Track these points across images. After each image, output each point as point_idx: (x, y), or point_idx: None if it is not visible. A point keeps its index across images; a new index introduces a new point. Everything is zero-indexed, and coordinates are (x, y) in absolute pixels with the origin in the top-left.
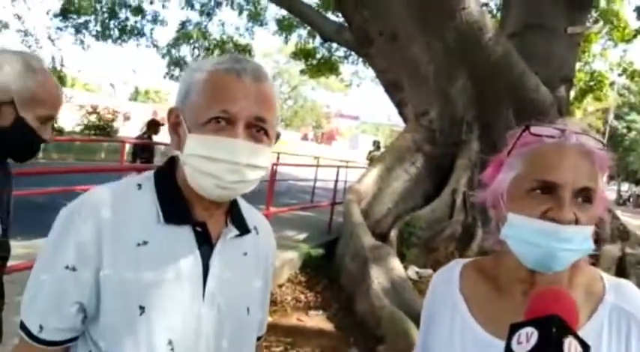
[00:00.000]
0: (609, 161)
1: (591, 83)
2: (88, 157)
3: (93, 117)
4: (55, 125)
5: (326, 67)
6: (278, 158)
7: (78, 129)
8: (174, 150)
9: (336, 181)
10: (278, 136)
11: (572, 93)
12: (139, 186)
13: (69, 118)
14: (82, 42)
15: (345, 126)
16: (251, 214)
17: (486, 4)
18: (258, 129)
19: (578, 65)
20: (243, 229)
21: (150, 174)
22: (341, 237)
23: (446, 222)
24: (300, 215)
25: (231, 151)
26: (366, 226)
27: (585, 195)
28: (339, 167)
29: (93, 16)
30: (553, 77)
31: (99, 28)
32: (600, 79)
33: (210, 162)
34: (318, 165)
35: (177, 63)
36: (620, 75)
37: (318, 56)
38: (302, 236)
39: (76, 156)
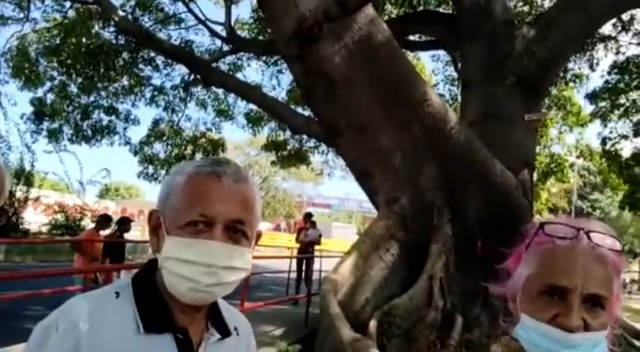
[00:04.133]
0: (624, 263)
1: (552, 165)
2: (53, 258)
3: (60, 216)
4: (21, 226)
5: (297, 158)
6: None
7: (44, 229)
8: (154, 253)
9: (311, 272)
10: (259, 236)
11: (535, 176)
12: (117, 294)
13: (35, 219)
14: (57, 141)
15: (317, 215)
16: (230, 314)
17: (442, 95)
18: (236, 231)
19: (537, 149)
20: (225, 332)
21: (128, 280)
22: (319, 331)
23: (425, 310)
24: (276, 308)
25: (207, 254)
26: (344, 318)
27: (596, 301)
28: (313, 257)
29: (64, 121)
30: (515, 162)
31: (72, 131)
32: (560, 161)
33: (185, 265)
34: (291, 256)
35: (151, 160)
36: (577, 157)
37: (289, 147)
38: (278, 331)
39: (40, 258)
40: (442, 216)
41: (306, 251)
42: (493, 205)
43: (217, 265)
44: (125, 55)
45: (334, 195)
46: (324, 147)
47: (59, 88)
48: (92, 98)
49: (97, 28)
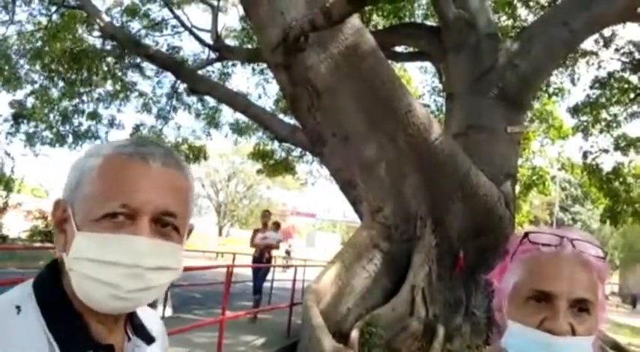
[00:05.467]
0: (609, 270)
1: (534, 178)
2: (35, 264)
3: (40, 223)
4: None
5: (282, 167)
6: (234, 259)
7: (24, 235)
8: (60, 253)
9: (294, 281)
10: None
11: (518, 188)
12: (18, 309)
13: (16, 225)
14: (31, 145)
15: (301, 224)
16: (148, 317)
17: (427, 106)
18: (166, 225)
19: (520, 161)
20: (149, 339)
21: (27, 289)
22: (300, 341)
23: (407, 320)
24: (257, 318)
25: (131, 252)
26: (326, 328)
27: (582, 306)
28: (296, 266)
29: (44, 124)
30: (497, 173)
31: (52, 135)
32: (541, 174)
33: (103, 267)
34: (275, 265)
35: None
36: (559, 170)
37: (276, 156)
38: (260, 341)
39: (21, 264)
40: (425, 226)
41: (261, 257)
42: (475, 216)
43: (144, 266)
44: (110, 60)
45: (319, 204)
46: (308, 156)
47: (41, 91)
48: (74, 102)
49: (81, 32)
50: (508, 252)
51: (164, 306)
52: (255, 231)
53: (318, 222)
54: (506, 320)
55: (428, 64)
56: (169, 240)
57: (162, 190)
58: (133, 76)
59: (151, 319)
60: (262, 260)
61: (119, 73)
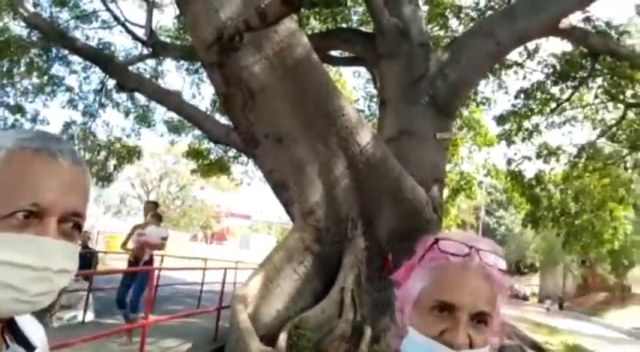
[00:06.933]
0: (508, 283)
1: (462, 183)
2: None
3: None
4: None
5: (218, 167)
6: (162, 261)
7: None
8: None
9: (223, 284)
10: (165, 238)
11: (446, 192)
12: None
13: None
14: None
15: (236, 226)
16: (28, 324)
17: (362, 111)
18: (71, 225)
19: (448, 167)
20: (28, 346)
21: None
22: (227, 345)
23: (335, 322)
24: (185, 322)
25: (41, 254)
26: (253, 331)
27: (481, 318)
28: (226, 268)
29: None
30: (426, 178)
31: None
32: (469, 179)
33: (8, 269)
34: (205, 268)
35: None
36: (485, 175)
37: (212, 156)
38: (186, 346)
39: None
40: (356, 228)
41: (137, 261)
42: (404, 219)
43: (52, 268)
44: (35, 52)
45: (254, 206)
46: (244, 157)
47: None
48: None
49: (7, 21)
50: (415, 253)
51: (85, 310)
52: (135, 228)
53: (253, 223)
54: (407, 325)
55: (362, 70)
56: (73, 240)
57: (72, 190)
58: (59, 69)
59: (32, 326)
60: (139, 264)
61: (44, 66)
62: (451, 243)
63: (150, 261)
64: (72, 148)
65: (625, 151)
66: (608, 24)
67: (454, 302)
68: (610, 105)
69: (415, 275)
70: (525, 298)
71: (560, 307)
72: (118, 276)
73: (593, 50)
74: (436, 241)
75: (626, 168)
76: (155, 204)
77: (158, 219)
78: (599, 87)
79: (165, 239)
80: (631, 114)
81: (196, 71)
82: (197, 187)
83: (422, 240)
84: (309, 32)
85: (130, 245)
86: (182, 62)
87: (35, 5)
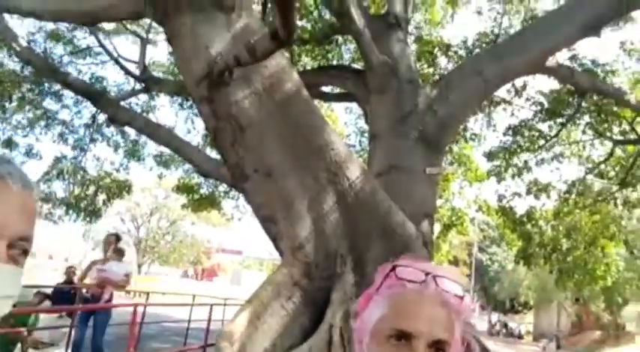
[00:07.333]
0: (468, 309)
1: (453, 219)
2: None
3: None
4: None
5: (208, 202)
6: (147, 298)
7: None
8: None
9: (209, 321)
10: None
11: (438, 228)
12: None
13: None
14: None
15: (227, 262)
16: None
17: (353, 146)
18: (19, 249)
19: (440, 202)
20: None
21: None
22: None
23: None
24: None
25: None
26: None
27: (439, 346)
28: (212, 305)
29: None
30: (416, 213)
31: None
32: (460, 215)
33: None
34: (192, 304)
35: (47, 199)
36: (476, 211)
37: (202, 191)
38: None
39: None
40: (345, 264)
41: (97, 297)
42: (394, 254)
43: (1, 294)
44: (27, 86)
45: (245, 242)
46: (234, 192)
47: None
48: None
49: (1, 56)
50: (373, 282)
51: (66, 348)
52: (93, 263)
53: (244, 259)
54: None
55: (355, 105)
56: (19, 265)
57: (22, 214)
58: (52, 104)
59: None
60: (97, 302)
61: (36, 101)
62: (408, 270)
63: (110, 300)
64: (21, 171)
65: (614, 188)
66: (594, 62)
67: (411, 331)
68: (597, 142)
69: (373, 304)
70: (520, 337)
71: (558, 346)
72: None
73: (579, 88)
74: (393, 268)
75: (616, 205)
76: (117, 237)
77: (120, 253)
78: (586, 124)
79: (128, 275)
80: (619, 151)
81: (190, 106)
82: (188, 222)
83: (380, 268)
84: (301, 69)
85: (88, 280)
86: (176, 97)
87: (29, 41)
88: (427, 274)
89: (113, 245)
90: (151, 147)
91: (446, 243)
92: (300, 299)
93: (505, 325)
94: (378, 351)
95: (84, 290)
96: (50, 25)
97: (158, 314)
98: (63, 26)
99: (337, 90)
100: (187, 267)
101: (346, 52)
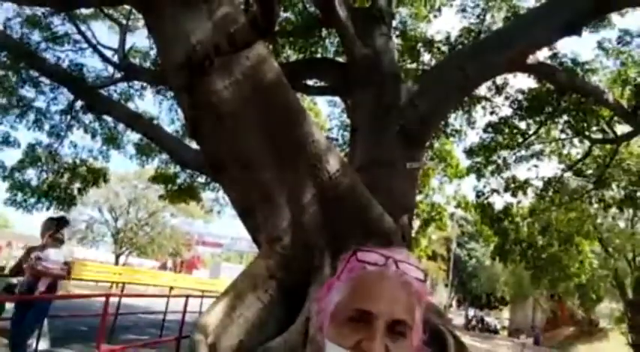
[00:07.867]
0: (427, 293)
1: (432, 214)
2: None
3: None
4: None
5: (187, 193)
6: (123, 289)
7: None
8: None
9: (184, 313)
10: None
11: (417, 223)
12: None
13: None
14: None
15: (207, 254)
16: None
17: (336, 140)
18: None
19: (419, 198)
20: None
21: None
22: None
23: None
24: None
25: None
26: None
27: (399, 328)
28: (187, 296)
29: None
30: (396, 207)
31: None
32: (439, 210)
33: None
34: (169, 295)
35: (21, 187)
36: (455, 207)
37: (179, 181)
38: None
39: None
40: (323, 257)
41: (31, 290)
42: (373, 248)
43: None
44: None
45: (225, 234)
46: (214, 184)
47: None
48: None
49: None
50: (335, 272)
51: (37, 339)
52: (30, 250)
53: (225, 252)
54: (325, 340)
55: (338, 99)
56: None
57: None
58: (29, 90)
59: None
60: (33, 293)
61: (12, 87)
62: (369, 254)
63: (48, 291)
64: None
65: (590, 186)
66: (574, 61)
67: (371, 310)
68: (576, 140)
69: (334, 290)
70: (496, 331)
71: (536, 342)
72: (77, 303)
73: (559, 86)
74: (354, 253)
75: (591, 203)
76: (59, 222)
77: (57, 240)
78: (565, 122)
79: (67, 264)
80: (596, 150)
81: (174, 96)
82: (167, 214)
83: (342, 257)
84: (285, 61)
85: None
86: (160, 87)
87: (5, 26)
88: (388, 258)
89: (52, 231)
90: (132, 135)
91: (425, 238)
92: (277, 291)
93: (482, 320)
94: (337, 333)
95: (14, 281)
96: (27, 11)
97: (133, 305)
98: (40, 12)
99: (320, 83)
100: (166, 259)
101: (330, 45)
